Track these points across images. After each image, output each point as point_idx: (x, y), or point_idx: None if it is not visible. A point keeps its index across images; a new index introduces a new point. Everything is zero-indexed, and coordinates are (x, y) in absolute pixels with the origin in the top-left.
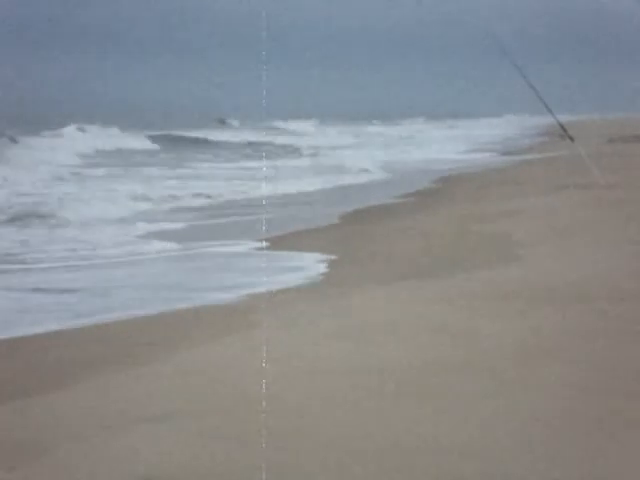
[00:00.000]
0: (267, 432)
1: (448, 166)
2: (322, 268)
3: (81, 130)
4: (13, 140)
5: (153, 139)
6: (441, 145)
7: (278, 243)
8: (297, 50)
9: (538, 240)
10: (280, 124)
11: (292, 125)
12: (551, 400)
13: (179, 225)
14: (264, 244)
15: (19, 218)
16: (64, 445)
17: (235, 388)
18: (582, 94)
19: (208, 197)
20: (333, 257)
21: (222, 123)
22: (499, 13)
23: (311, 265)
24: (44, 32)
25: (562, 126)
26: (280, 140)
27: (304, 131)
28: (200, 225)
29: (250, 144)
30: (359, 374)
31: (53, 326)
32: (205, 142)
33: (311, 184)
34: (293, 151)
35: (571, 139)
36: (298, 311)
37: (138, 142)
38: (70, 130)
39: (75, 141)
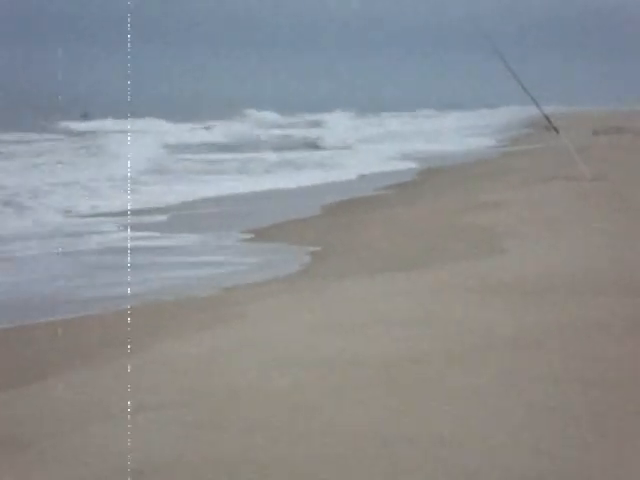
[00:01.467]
0: (253, 423)
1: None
2: (306, 260)
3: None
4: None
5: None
6: (420, 137)
7: (263, 234)
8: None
9: (523, 232)
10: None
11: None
12: (538, 392)
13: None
14: (249, 236)
15: None
16: (50, 438)
17: (221, 379)
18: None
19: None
20: (316, 248)
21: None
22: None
23: (295, 257)
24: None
25: (547, 118)
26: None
27: (316, 122)
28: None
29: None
30: (343, 365)
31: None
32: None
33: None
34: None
35: (556, 130)
36: (282, 303)
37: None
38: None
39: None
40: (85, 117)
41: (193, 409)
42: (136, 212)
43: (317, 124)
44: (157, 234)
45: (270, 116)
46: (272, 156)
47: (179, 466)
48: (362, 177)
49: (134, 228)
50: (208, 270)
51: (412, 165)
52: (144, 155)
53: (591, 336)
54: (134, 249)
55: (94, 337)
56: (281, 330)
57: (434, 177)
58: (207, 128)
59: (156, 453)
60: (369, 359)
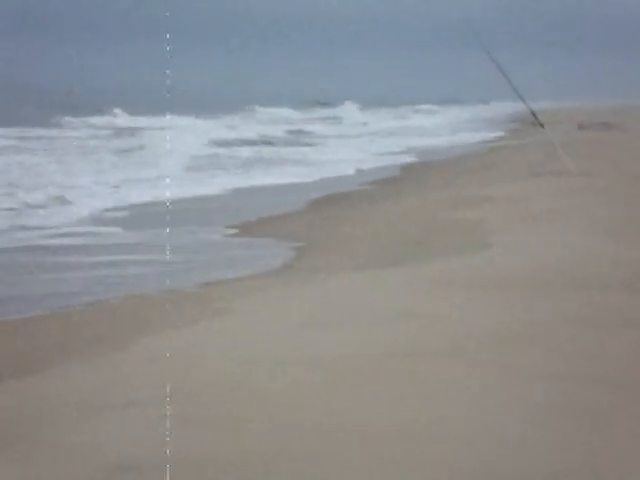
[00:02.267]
0: (239, 419)
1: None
2: (291, 255)
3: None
4: None
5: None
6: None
7: (248, 229)
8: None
9: (509, 227)
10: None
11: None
12: (526, 386)
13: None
14: (234, 231)
15: None
16: (34, 432)
17: (205, 375)
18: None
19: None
20: (301, 244)
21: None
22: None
23: (280, 251)
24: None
25: (533, 113)
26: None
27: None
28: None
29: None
30: (328, 361)
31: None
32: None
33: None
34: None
35: (541, 125)
36: (267, 298)
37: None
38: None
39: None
40: (70, 93)
41: (178, 405)
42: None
43: (333, 118)
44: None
45: (284, 112)
46: (284, 150)
47: (164, 461)
48: (359, 172)
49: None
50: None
51: (408, 159)
52: (190, 151)
53: (577, 330)
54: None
55: (78, 332)
56: (266, 325)
57: (421, 172)
58: (230, 126)
59: (141, 448)
60: (355, 354)
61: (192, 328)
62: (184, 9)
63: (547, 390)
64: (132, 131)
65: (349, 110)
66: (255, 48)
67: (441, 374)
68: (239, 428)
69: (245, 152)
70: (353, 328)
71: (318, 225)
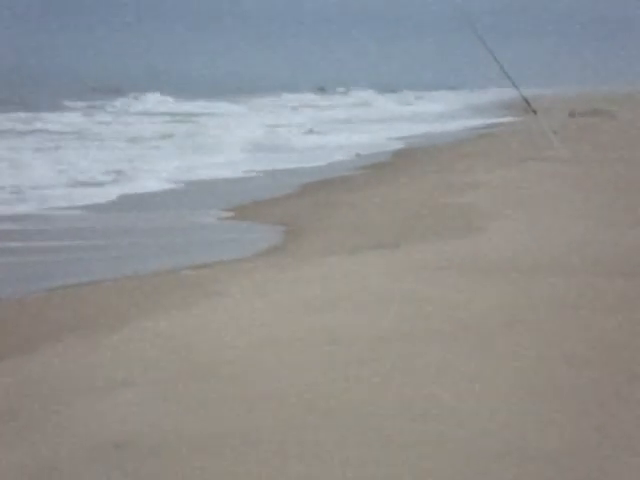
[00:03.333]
0: (234, 400)
1: (404, 138)
2: (286, 238)
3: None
4: None
5: None
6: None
7: (242, 212)
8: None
9: (501, 212)
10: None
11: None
12: (517, 369)
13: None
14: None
15: None
16: (29, 412)
17: (200, 356)
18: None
19: None
20: (296, 227)
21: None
22: None
23: (274, 235)
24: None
25: (526, 99)
26: None
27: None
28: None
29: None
30: (325, 343)
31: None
32: None
33: None
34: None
35: (534, 112)
36: (262, 281)
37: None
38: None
39: None
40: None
41: (173, 386)
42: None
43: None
44: None
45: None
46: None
47: (159, 442)
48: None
49: None
50: None
51: (400, 145)
52: (252, 134)
53: (571, 314)
54: None
55: (74, 312)
56: (261, 308)
57: (414, 157)
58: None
59: (137, 427)
60: (348, 337)
61: (189, 309)
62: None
63: (542, 373)
64: (186, 116)
65: (368, 95)
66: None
67: (433, 356)
68: (235, 408)
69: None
70: (347, 310)
71: (312, 209)
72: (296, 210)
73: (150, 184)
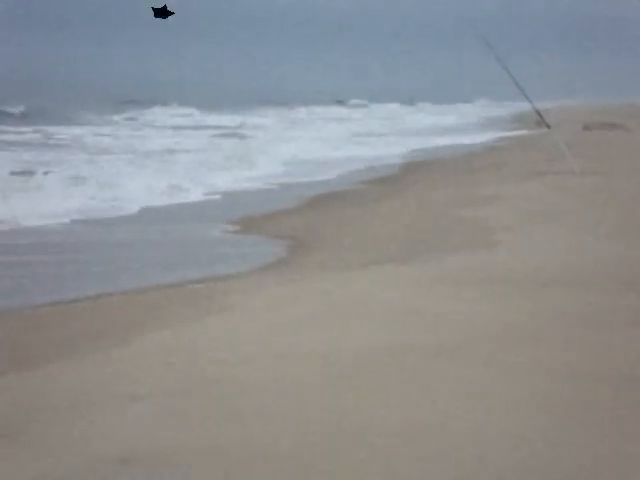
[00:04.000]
0: (240, 414)
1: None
2: (291, 252)
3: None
4: None
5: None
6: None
7: (249, 225)
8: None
9: (514, 226)
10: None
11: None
12: (528, 384)
13: None
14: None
15: None
16: (37, 424)
17: (207, 370)
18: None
19: None
20: (301, 241)
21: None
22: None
23: (279, 249)
24: None
25: (539, 113)
26: None
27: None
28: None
29: None
30: (330, 357)
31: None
32: None
33: None
34: None
35: (547, 126)
36: (268, 296)
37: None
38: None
39: None
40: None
41: (180, 400)
42: None
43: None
44: None
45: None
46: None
47: (165, 456)
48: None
49: None
50: None
51: (412, 158)
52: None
53: (583, 329)
54: None
55: (80, 326)
56: (268, 322)
57: (424, 171)
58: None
59: (143, 442)
60: (358, 351)
61: (197, 323)
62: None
63: (553, 388)
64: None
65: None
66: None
67: (445, 372)
68: (241, 422)
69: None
70: (356, 325)
71: (321, 223)
72: (304, 223)
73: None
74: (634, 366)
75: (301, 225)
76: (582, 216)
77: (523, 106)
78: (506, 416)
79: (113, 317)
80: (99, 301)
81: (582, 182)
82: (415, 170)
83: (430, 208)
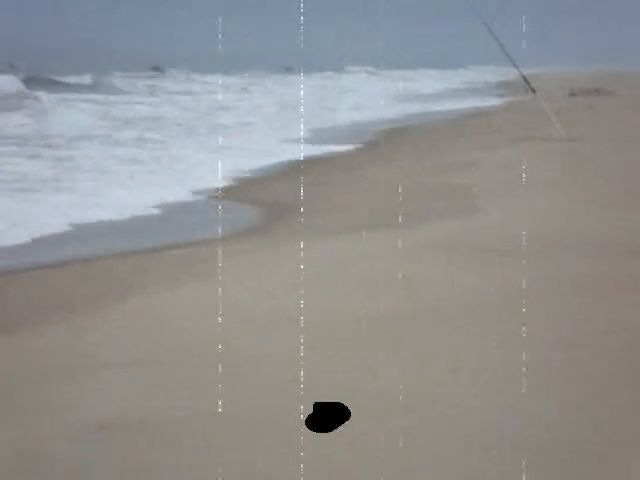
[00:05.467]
0: (224, 381)
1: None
2: (277, 218)
3: None
4: None
5: None
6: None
7: (232, 192)
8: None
9: (498, 192)
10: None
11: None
12: (514, 351)
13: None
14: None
15: None
16: (13, 392)
17: (190, 337)
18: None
19: None
20: (285, 208)
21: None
22: None
23: (265, 215)
24: None
25: (525, 78)
26: None
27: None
28: None
29: None
30: (316, 324)
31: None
32: None
33: None
34: None
35: (533, 91)
36: (254, 262)
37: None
38: None
39: None
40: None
41: (159, 368)
42: None
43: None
44: None
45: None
46: None
47: (143, 423)
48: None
49: None
50: None
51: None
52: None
53: (566, 296)
54: None
55: (63, 292)
56: (255, 288)
57: (407, 136)
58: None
59: (120, 410)
60: (344, 317)
61: (179, 290)
62: None
63: (539, 355)
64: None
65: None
66: None
67: (431, 339)
68: (222, 390)
69: None
70: (340, 290)
71: (304, 190)
72: (286, 189)
73: None
74: (628, 332)
75: (285, 190)
76: (569, 182)
77: (509, 71)
78: (495, 385)
79: (91, 284)
80: (77, 266)
81: (567, 148)
82: (400, 135)
83: (412, 175)
